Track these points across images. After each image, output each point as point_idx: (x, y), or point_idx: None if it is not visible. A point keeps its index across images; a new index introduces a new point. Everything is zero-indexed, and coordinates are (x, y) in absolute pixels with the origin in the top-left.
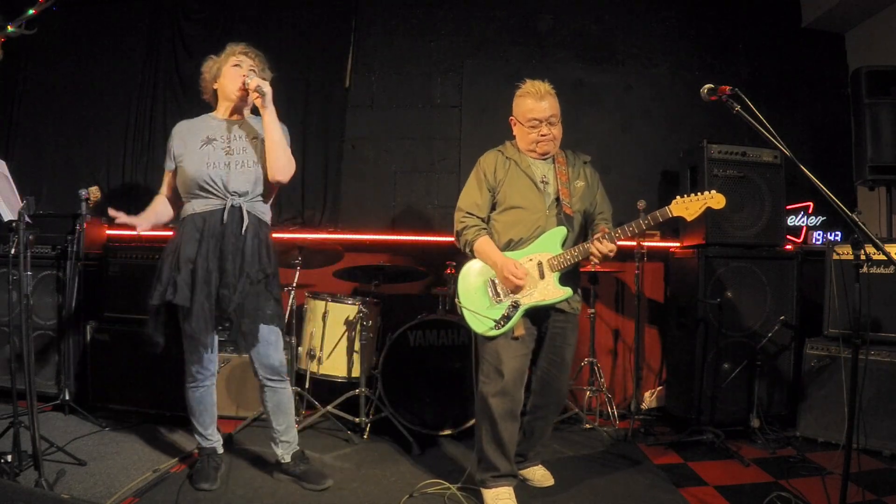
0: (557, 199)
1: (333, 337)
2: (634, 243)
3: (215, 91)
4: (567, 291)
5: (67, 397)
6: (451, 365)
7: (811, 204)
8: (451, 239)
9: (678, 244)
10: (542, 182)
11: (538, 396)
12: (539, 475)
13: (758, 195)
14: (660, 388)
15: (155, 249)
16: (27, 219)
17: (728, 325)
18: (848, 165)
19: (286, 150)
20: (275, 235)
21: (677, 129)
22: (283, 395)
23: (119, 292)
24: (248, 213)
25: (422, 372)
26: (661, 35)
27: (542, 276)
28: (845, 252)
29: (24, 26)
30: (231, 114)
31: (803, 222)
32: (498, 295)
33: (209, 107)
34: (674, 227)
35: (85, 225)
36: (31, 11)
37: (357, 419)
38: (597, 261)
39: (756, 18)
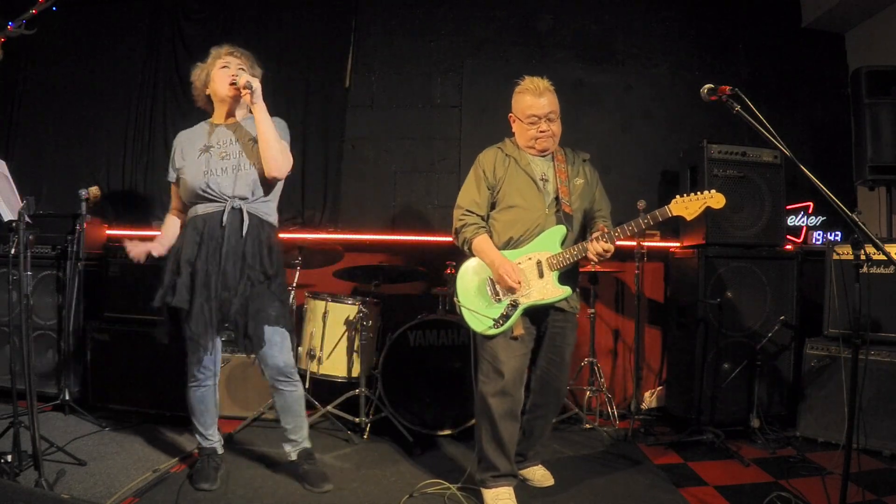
0: (557, 197)
1: (333, 337)
2: (634, 243)
3: (209, 97)
4: (566, 291)
5: (67, 397)
6: (451, 365)
7: (811, 204)
8: (451, 239)
9: (678, 244)
10: (542, 180)
11: (537, 396)
12: (539, 475)
13: (758, 195)
14: (660, 388)
15: None
16: (27, 219)
17: (728, 325)
18: (848, 165)
19: (279, 145)
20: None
21: (677, 129)
22: (290, 396)
23: (119, 292)
24: (249, 214)
25: (422, 372)
26: (661, 35)
27: (541, 275)
28: (845, 252)
29: (24, 26)
30: (227, 117)
31: (803, 222)
32: (497, 294)
33: (203, 107)
34: (674, 227)
35: (85, 225)
36: (32, 11)
37: (357, 419)
38: (594, 260)
39: (756, 18)
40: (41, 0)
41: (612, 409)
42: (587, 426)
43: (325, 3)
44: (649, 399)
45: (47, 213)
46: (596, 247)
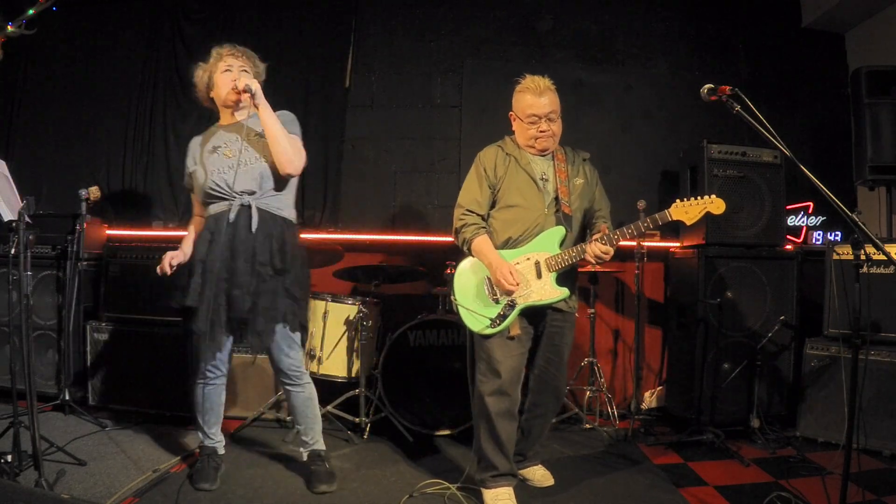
0: (556, 197)
1: (333, 337)
2: (634, 243)
3: (213, 99)
4: (564, 292)
5: (67, 397)
6: (451, 365)
7: (811, 204)
8: (451, 239)
9: (678, 244)
10: (542, 179)
11: (536, 395)
12: (539, 475)
13: (758, 195)
14: (660, 388)
15: (154, 249)
16: (27, 219)
17: (728, 325)
18: (848, 165)
19: (288, 141)
20: None
21: (677, 129)
22: (298, 398)
23: (119, 292)
24: (259, 210)
25: (422, 372)
26: (661, 35)
27: (539, 276)
28: (845, 252)
29: (24, 26)
30: (233, 117)
31: (803, 222)
32: (494, 294)
33: (208, 106)
34: (674, 228)
35: (85, 225)
36: (31, 11)
37: (357, 419)
38: (593, 262)
39: (756, 18)
40: (41, 0)
41: (612, 409)
42: (587, 426)
43: (325, 3)
44: (649, 399)
45: (47, 213)
46: (595, 249)
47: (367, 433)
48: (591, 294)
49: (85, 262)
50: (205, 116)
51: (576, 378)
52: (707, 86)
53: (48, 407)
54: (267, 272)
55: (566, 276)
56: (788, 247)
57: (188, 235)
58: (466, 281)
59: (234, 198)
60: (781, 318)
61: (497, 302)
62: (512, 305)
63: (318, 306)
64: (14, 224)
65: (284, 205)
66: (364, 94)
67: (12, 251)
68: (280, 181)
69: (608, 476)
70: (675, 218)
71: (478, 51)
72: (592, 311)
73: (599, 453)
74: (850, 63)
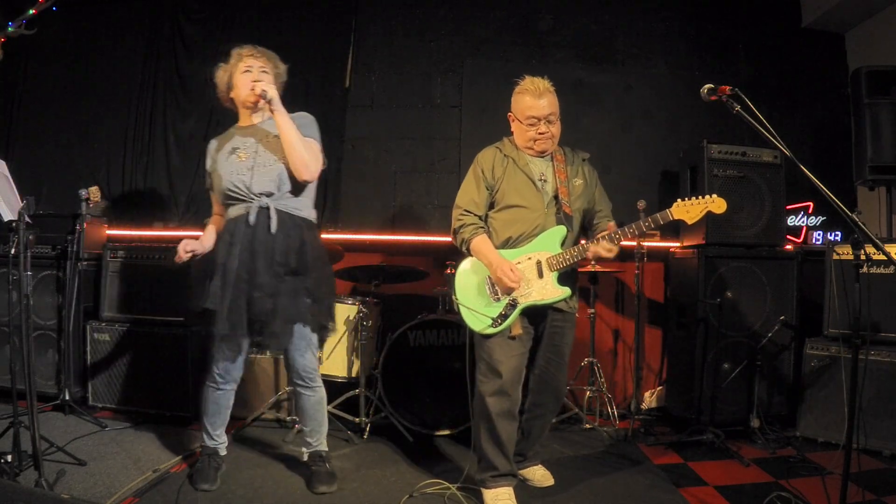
0: (556, 197)
1: (333, 337)
2: (634, 243)
3: (233, 100)
4: (565, 291)
5: (67, 397)
6: (451, 365)
7: (811, 204)
8: (451, 238)
9: (678, 244)
10: (541, 180)
11: (536, 395)
12: (539, 475)
13: (758, 195)
14: (660, 388)
15: (154, 249)
16: (27, 219)
17: (728, 325)
18: (848, 165)
19: (303, 146)
20: None
21: (677, 129)
22: (307, 401)
23: (119, 292)
24: (277, 211)
25: (422, 372)
26: (661, 35)
27: (540, 276)
28: (845, 252)
29: (24, 26)
30: (251, 119)
31: (803, 222)
32: (496, 293)
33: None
34: (674, 227)
35: (85, 225)
36: (31, 11)
37: (357, 419)
38: (593, 260)
39: (756, 18)
40: (41, 0)
41: (612, 409)
42: (587, 426)
43: (325, 3)
44: (649, 399)
45: (47, 213)
46: (598, 248)
47: (367, 433)
48: (591, 294)
49: (85, 262)
50: (205, 116)
51: (576, 378)
52: (707, 86)
53: (48, 407)
54: (285, 272)
55: (567, 276)
56: (788, 247)
57: (208, 229)
58: (467, 280)
59: (253, 200)
60: (781, 318)
61: (498, 301)
62: (513, 305)
63: None
64: (14, 224)
65: (303, 205)
66: (364, 94)
67: (12, 251)
68: (296, 184)
69: (608, 476)
70: (676, 217)
71: (478, 51)
72: (592, 310)
73: (599, 453)
74: (850, 63)
